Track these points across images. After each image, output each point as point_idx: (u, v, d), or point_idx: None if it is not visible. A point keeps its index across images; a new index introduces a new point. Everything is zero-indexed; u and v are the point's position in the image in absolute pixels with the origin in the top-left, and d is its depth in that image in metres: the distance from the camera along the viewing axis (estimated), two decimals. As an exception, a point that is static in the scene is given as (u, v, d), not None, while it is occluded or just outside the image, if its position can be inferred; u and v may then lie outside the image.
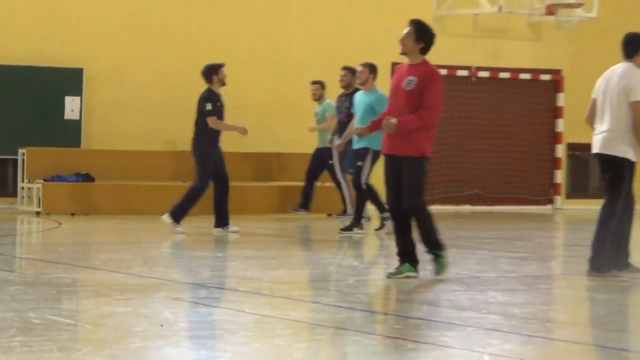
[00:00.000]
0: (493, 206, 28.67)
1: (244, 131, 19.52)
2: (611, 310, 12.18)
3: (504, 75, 29.20)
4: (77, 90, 24.63)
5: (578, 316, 11.67)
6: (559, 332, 10.48)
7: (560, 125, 29.68)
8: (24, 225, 21.45)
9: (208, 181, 19.16)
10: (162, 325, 10.01)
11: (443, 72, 28.45)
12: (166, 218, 18.90)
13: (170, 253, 16.93)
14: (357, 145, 19.47)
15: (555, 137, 29.76)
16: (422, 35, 13.90)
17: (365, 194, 19.57)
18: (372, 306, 12.00)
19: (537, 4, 28.27)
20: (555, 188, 29.89)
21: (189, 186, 19.17)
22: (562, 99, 29.69)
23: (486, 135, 28.88)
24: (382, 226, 19.75)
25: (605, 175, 13.71)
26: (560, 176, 29.94)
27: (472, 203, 28.73)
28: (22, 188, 23.82)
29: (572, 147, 29.99)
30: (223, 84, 19.38)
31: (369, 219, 20.90)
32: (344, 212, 22.20)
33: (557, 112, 29.64)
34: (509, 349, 9.17)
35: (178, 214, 19.02)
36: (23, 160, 23.56)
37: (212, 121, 19.06)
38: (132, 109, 23.99)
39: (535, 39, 29.21)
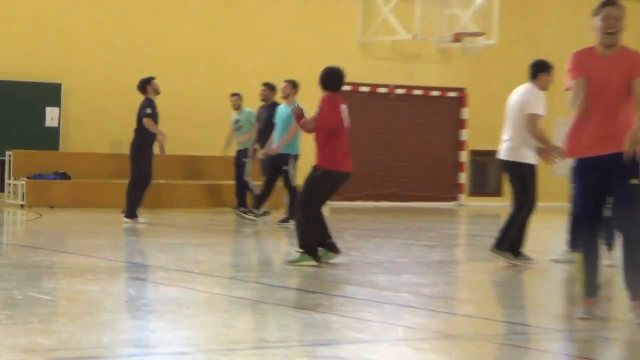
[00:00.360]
0: (407, 202, 28.67)
1: (163, 139, 19.42)
2: (504, 290, 12.25)
3: (417, 92, 29.22)
4: (56, 102, 24.52)
5: (477, 295, 11.72)
6: (460, 307, 10.53)
7: (464, 134, 29.76)
8: (10, 216, 21.28)
9: (144, 177, 19.13)
10: (127, 301, 9.97)
11: (365, 89, 28.53)
12: (125, 218, 18.86)
13: (134, 240, 16.85)
14: (279, 151, 19.46)
15: (460, 145, 29.84)
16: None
17: (294, 190, 19.54)
18: (305, 286, 11.98)
19: (445, 32, 28.32)
20: (459, 187, 29.98)
21: (129, 184, 19.14)
22: (465, 113, 29.76)
23: (402, 143, 28.89)
24: (288, 218, 19.59)
25: (508, 177, 13.86)
26: (463, 177, 30.03)
27: (390, 200, 28.70)
28: (9, 184, 23.66)
29: (473, 153, 30.08)
30: (157, 92, 19.33)
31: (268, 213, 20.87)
32: (239, 206, 22.13)
33: (461, 124, 29.71)
34: (418, 321, 9.20)
35: (132, 210, 18.97)
36: (10, 160, 23.46)
37: (147, 122, 18.96)
38: (103, 118, 23.84)
39: (443, 61, 29.24)
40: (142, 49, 25.44)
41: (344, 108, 13.51)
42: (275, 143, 19.38)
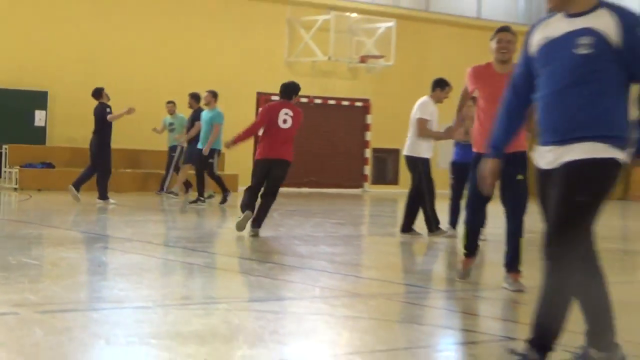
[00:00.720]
0: (322, 189, 28.73)
1: (130, 110, 19.31)
2: (400, 258, 12.29)
3: (331, 102, 29.24)
4: (43, 106, 24.33)
5: (378, 262, 11.74)
6: (365, 272, 10.54)
7: (368, 135, 29.85)
8: (5, 197, 21.04)
9: (108, 169, 19.01)
10: (99, 266, 9.87)
11: (291, 99, 28.50)
12: (99, 201, 18.68)
13: (105, 217, 16.71)
14: (203, 146, 19.47)
15: (365, 144, 29.92)
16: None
17: (219, 178, 19.63)
18: (242, 254, 11.94)
19: (353, 55, 28.45)
20: (364, 177, 30.06)
21: (97, 175, 18.94)
22: (369, 119, 29.83)
23: (319, 142, 28.94)
24: (224, 200, 19.66)
25: (409, 169, 13.99)
26: (367, 170, 30.13)
27: (309, 187, 28.75)
28: (5, 172, 23.46)
29: (375, 151, 30.19)
30: (109, 99, 19.18)
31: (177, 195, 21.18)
32: (162, 189, 22.31)
33: (366, 127, 29.77)
34: (332, 283, 9.19)
35: (103, 193, 18.80)
36: (6, 152, 23.31)
37: (111, 117, 18.86)
38: (81, 119, 23.52)
39: (352, 78, 29.29)
40: (112, 62, 25.33)
41: (283, 112, 13.62)
42: (201, 142, 19.55)
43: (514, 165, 8.57)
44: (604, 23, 5.08)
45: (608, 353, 5.31)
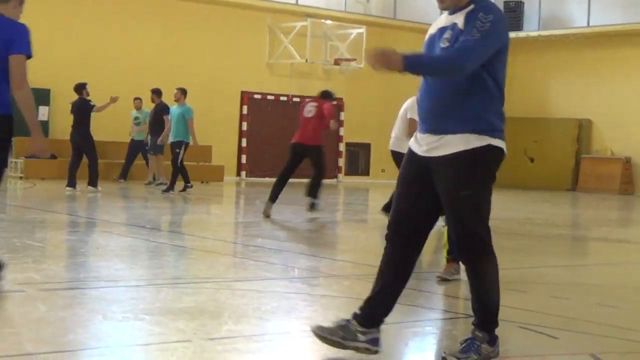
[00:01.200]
0: (300, 179, 28.70)
1: (114, 99, 19.23)
2: (372, 242, 12.26)
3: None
4: (47, 102, 24.26)
5: (351, 245, 11.71)
6: (340, 255, 10.53)
7: (342, 131, 29.84)
8: (11, 185, 20.91)
9: (96, 158, 18.86)
10: (97, 248, 9.81)
11: (271, 98, 28.45)
12: (91, 189, 18.54)
13: (101, 203, 16.62)
14: (174, 139, 19.33)
15: (339, 139, 29.91)
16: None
17: (182, 169, 19.47)
18: (227, 238, 11.91)
19: (328, 57, 28.47)
20: (339, 169, 30.06)
21: (89, 164, 18.78)
22: (343, 116, 29.83)
23: (291, 135, 28.92)
24: (185, 189, 19.50)
25: (395, 162, 13.56)
26: (341, 162, 30.14)
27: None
28: (11, 162, 23.36)
29: (348, 145, 30.21)
30: (88, 94, 19.02)
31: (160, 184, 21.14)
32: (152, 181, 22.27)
33: (340, 123, 29.74)
34: (310, 264, 9.17)
35: (94, 180, 18.68)
36: (12, 145, 23.21)
37: (97, 108, 18.84)
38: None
39: (327, 79, 29.24)
40: (107, 62, 25.22)
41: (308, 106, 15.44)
42: (172, 136, 19.41)
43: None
44: (460, 16, 4.79)
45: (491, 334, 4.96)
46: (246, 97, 28.23)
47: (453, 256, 8.04)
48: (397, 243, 5.00)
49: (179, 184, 19.64)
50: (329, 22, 28.57)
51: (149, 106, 22.41)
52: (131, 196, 18.99)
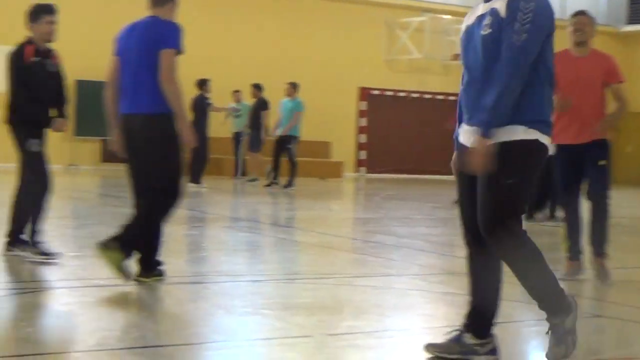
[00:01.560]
0: (420, 175, 28.56)
1: (234, 110, 19.30)
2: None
3: (427, 96, 29.10)
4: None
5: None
6: (460, 252, 10.38)
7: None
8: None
9: (205, 151, 18.73)
10: (219, 244, 9.93)
11: (389, 93, 28.44)
12: (192, 185, 18.50)
13: (219, 199, 16.82)
14: (284, 133, 19.15)
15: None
16: None
17: (295, 165, 19.26)
18: (347, 234, 11.90)
19: (446, 53, 28.24)
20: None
21: (192, 159, 18.65)
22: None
23: (423, 131, 28.80)
24: (289, 184, 19.28)
25: None
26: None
27: (407, 173, 28.62)
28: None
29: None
30: (208, 91, 18.98)
31: None
32: None
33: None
34: (429, 262, 9.13)
35: (197, 177, 18.57)
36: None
37: (212, 108, 18.93)
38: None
39: (446, 74, 29.07)
40: (226, 57, 25.53)
41: None
42: (281, 129, 19.20)
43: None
44: (500, 1, 4.55)
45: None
46: (365, 93, 28.25)
47: (571, 255, 7.85)
48: (471, 244, 5.08)
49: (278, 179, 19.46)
50: (447, 17, 28.34)
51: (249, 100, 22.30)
52: (240, 192, 19.15)
